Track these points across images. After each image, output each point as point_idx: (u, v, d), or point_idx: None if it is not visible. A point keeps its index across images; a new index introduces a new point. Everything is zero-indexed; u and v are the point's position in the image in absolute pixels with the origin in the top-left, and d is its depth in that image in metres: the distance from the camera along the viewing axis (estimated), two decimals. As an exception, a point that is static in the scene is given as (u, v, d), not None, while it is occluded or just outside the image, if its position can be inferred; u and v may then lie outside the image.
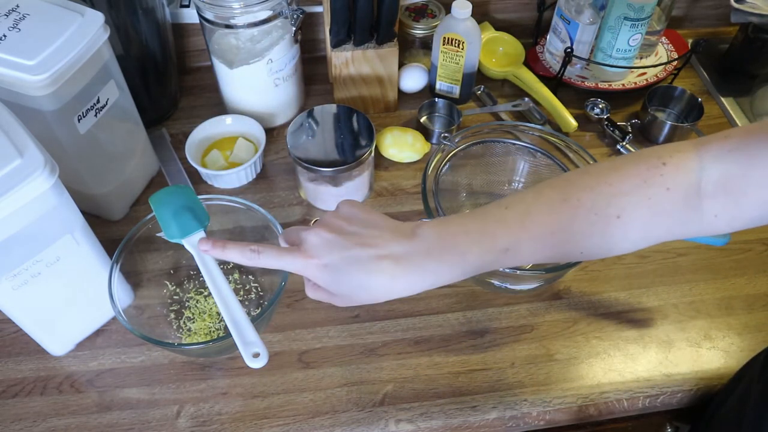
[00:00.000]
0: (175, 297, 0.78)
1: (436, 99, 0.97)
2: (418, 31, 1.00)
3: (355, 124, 0.86)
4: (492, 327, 0.76)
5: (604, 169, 0.50)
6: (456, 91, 0.99)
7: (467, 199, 0.86)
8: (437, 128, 0.97)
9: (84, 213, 0.65)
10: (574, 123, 0.95)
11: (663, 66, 1.01)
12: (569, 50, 0.94)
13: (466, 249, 0.48)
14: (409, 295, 0.49)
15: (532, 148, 0.80)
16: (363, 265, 0.48)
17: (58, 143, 0.70)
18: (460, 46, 0.92)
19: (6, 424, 0.68)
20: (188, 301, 0.77)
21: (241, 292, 0.78)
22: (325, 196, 0.86)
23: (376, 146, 0.89)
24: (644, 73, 1.01)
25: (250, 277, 0.80)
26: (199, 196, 0.70)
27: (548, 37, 1.02)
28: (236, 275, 0.80)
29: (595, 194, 0.49)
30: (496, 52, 1.07)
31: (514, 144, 0.81)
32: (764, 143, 0.45)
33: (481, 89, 1.02)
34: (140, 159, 0.86)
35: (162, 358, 0.73)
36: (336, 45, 0.90)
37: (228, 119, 0.92)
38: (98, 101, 0.73)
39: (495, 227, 0.49)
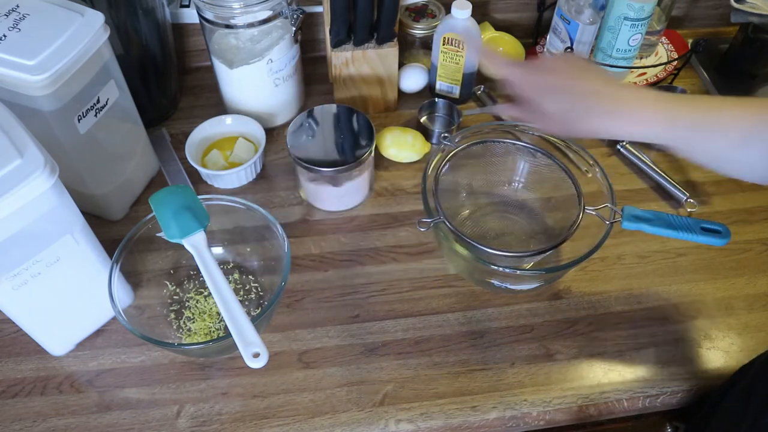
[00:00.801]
0: (175, 297, 0.78)
1: (436, 99, 0.97)
2: (418, 31, 1.00)
3: (355, 124, 0.86)
4: (492, 327, 0.76)
5: None
6: (456, 91, 1.00)
7: (467, 199, 0.86)
8: (437, 128, 0.97)
9: (84, 213, 0.65)
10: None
11: (663, 66, 1.01)
12: (569, 50, 0.94)
13: (675, 115, 0.57)
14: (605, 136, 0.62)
15: (532, 148, 0.80)
16: (587, 98, 0.59)
17: (58, 143, 0.70)
18: (460, 46, 0.92)
19: (6, 424, 0.68)
20: (188, 301, 0.77)
21: (241, 292, 0.78)
22: (325, 196, 0.86)
23: (376, 146, 0.89)
24: (644, 73, 1.01)
25: (250, 277, 0.80)
26: (199, 196, 0.70)
27: (548, 37, 1.03)
28: (236, 275, 0.80)
29: None
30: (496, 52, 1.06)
31: (514, 144, 0.81)
32: None
33: (481, 89, 1.02)
34: (140, 159, 0.86)
35: (162, 358, 0.73)
36: (336, 45, 0.90)
37: (228, 119, 0.92)
38: (98, 101, 0.73)
39: (697, 106, 0.57)
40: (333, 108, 0.87)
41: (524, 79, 0.63)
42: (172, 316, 0.76)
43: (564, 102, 0.61)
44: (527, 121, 0.67)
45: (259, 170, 0.91)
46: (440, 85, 1.00)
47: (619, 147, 0.94)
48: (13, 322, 0.67)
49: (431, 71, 1.00)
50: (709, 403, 0.70)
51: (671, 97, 0.58)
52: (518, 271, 0.72)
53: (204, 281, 0.68)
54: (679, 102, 0.58)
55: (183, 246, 0.65)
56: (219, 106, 0.99)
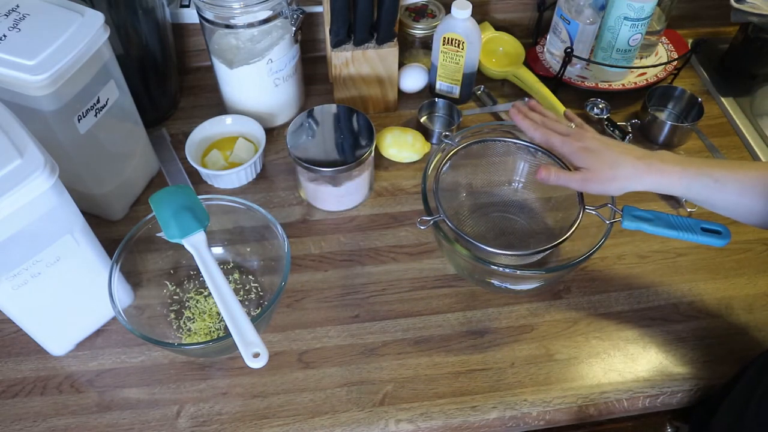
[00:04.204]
0: (175, 297, 0.78)
1: (436, 99, 0.97)
2: (418, 31, 1.00)
3: (355, 124, 0.86)
4: (492, 327, 0.76)
5: None
6: (456, 91, 1.00)
7: (467, 199, 0.86)
8: (437, 128, 0.97)
9: (84, 213, 0.65)
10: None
11: (663, 66, 1.01)
12: (569, 50, 0.94)
13: (687, 166, 0.65)
14: (635, 189, 0.67)
15: (532, 148, 0.80)
16: (613, 152, 0.67)
17: (58, 143, 0.70)
18: (460, 46, 0.92)
19: (6, 424, 0.68)
20: (188, 301, 0.77)
21: (241, 292, 0.78)
22: (325, 196, 0.86)
23: (376, 146, 0.89)
24: (644, 73, 1.01)
25: (250, 277, 0.80)
26: (199, 196, 0.70)
27: (548, 37, 1.03)
28: (236, 275, 0.80)
29: None
30: (496, 52, 1.07)
31: (515, 143, 0.81)
32: None
33: (481, 89, 1.02)
34: (140, 159, 0.86)
35: (162, 358, 0.73)
36: (336, 45, 0.90)
37: (228, 119, 0.92)
38: (98, 101, 0.73)
39: (710, 162, 0.66)
40: (333, 108, 0.87)
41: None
42: (172, 316, 0.76)
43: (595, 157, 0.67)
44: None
45: (259, 170, 0.91)
46: (440, 85, 1.00)
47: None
48: (13, 322, 0.67)
49: (431, 71, 1.00)
50: (709, 404, 0.71)
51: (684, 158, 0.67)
52: (518, 271, 0.72)
53: (204, 281, 0.68)
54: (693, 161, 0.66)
55: (183, 246, 0.65)
56: (219, 106, 0.99)
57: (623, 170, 0.66)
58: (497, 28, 1.08)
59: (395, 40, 0.91)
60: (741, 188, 0.64)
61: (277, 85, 0.92)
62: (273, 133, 0.97)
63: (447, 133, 0.79)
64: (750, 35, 1.02)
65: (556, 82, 1.00)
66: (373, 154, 0.84)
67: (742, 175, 0.64)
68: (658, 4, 0.95)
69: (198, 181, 0.90)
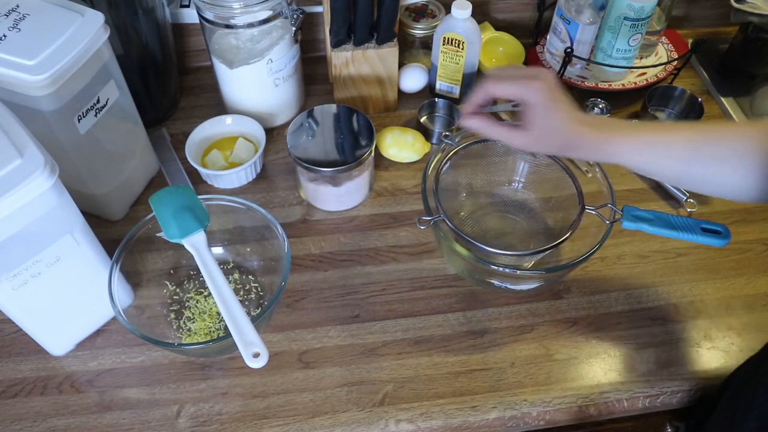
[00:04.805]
0: (175, 297, 0.78)
1: (436, 99, 0.97)
2: (418, 31, 1.00)
3: (355, 124, 0.86)
4: (492, 327, 0.76)
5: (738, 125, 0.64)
6: (456, 91, 0.99)
7: (467, 199, 0.86)
8: (437, 128, 0.97)
9: (84, 213, 0.65)
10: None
11: (663, 66, 1.01)
12: (569, 50, 0.94)
13: (638, 134, 0.61)
14: (571, 154, 0.64)
15: (532, 148, 0.80)
16: (568, 113, 0.61)
17: (58, 143, 0.70)
18: (460, 46, 0.92)
19: (6, 424, 0.68)
20: (188, 301, 0.77)
21: (241, 292, 0.78)
22: (325, 196, 0.86)
23: (376, 146, 0.89)
24: (644, 73, 1.01)
25: (250, 277, 0.80)
26: (199, 196, 0.70)
27: (548, 37, 1.02)
28: (236, 275, 0.80)
29: (716, 140, 0.59)
30: (496, 52, 1.06)
31: (514, 144, 0.81)
32: None
33: (482, 89, 1.02)
34: (140, 159, 0.86)
35: (162, 358, 0.73)
36: (336, 45, 0.90)
37: (228, 119, 0.92)
38: (98, 101, 0.73)
39: (658, 129, 0.62)
40: (333, 108, 0.87)
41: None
42: (172, 316, 0.76)
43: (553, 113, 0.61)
44: (498, 135, 0.65)
45: (259, 170, 0.91)
46: (440, 85, 1.00)
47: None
48: (13, 322, 0.67)
49: (431, 71, 1.00)
50: (705, 404, 0.71)
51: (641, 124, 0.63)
52: (518, 271, 0.72)
53: (204, 281, 0.68)
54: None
55: (183, 246, 0.65)
56: (219, 106, 0.99)
57: (576, 141, 0.62)
58: (497, 28, 1.08)
59: (395, 40, 0.91)
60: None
61: (277, 85, 0.92)
62: (273, 133, 0.97)
63: (447, 133, 0.79)
64: (750, 35, 1.02)
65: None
66: (373, 154, 0.84)
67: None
68: (658, 4, 0.95)
69: (198, 181, 0.90)
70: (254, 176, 0.91)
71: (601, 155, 0.62)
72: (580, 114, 0.61)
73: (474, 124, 0.65)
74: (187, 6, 0.98)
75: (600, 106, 0.98)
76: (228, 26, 0.84)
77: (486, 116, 0.65)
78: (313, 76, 1.05)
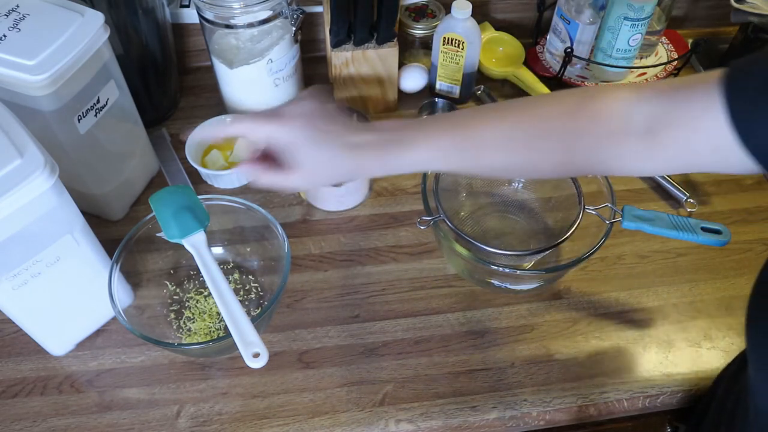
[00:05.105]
0: (175, 297, 0.78)
1: (436, 99, 0.97)
2: (418, 31, 1.00)
3: (355, 124, 0.86)
4: (492, 327, 0.76)
5: (542, 97, 0.56)
6: (456, 91, 0.99)
7: (467, 199, 0.86)
8: (437, 128, 0.97)
9: (84, 213, 0.65)
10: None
11: (663, 66, 1.01)
12: (569, 50, 0.94)
13: (412, 143, 0.54)
14: (361, 177, 0.56)
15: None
16: (334, 141, 0.54)
17: (58, 143, 0.70)
18: (460, 46, 0.92)
19: (6, 424, 0.68)
20: (188, 301, 0.77)
21: (241, 292, 0.78)
22: (325, 196, 0.86)
23: (376, 146, 0.89)
24: (644, 73, 1.01)
25: (250, 277, 0.80)
26: (199, 196, 0.70)
27: (548, 37, 1.02)
28: (236, 275, 0.80)
29: (528, 116, 0.53)
30: (496, 52, 1.06)
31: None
32: (687, 89, 0.47)
33: (481, 89, 1.02)
34: (140, 159, 0.86)
35: (162, 358, 0.73)
36: (336, 45, 0.90)
37: (228, 119, 0.92)
38: (98, 101, 0.73)
39: (441, 128, 0.54)
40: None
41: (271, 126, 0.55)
42: (172, 316, 0.76)
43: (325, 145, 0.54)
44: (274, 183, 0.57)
45: (259, 170, 0.91)
46: (440, 85, 1.00)
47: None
48: (13, 322, 0.67)
49: (431, 71, 1.00)
50: (701, 405, 0.71)
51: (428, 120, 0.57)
52: (518, 271, 0.72)
53: (204, 281, 0.68)
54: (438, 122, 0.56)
55: (183, 246, 0.65)
56: (219, 106, 0.99)
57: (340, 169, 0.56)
58: (497, 28, 1.08)
59: (395, 40, 0.91)
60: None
61: (277, 85, 0.92)
62: (273, 133, 0.96)
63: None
64: (750, 35, 1.02)
65: (556, 82, 1.00)
66: (373, 154, 0.84)
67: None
68: (658, 4, 0.95)
69: (198, 181, 0.90)
70: (254, 176, 0.91)
71: (395, 169, 0.56)
72: (358, 134, 0.54)
73: (249, 175, 0.57)
74: (187, 6, 0.98)
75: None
76: (228, 26, 0.84)
77: (258, 161, 0.57)
78: (313, 76, 1.05)
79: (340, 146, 0.54)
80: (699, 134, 0.45)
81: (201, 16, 0.86)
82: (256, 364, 0.57)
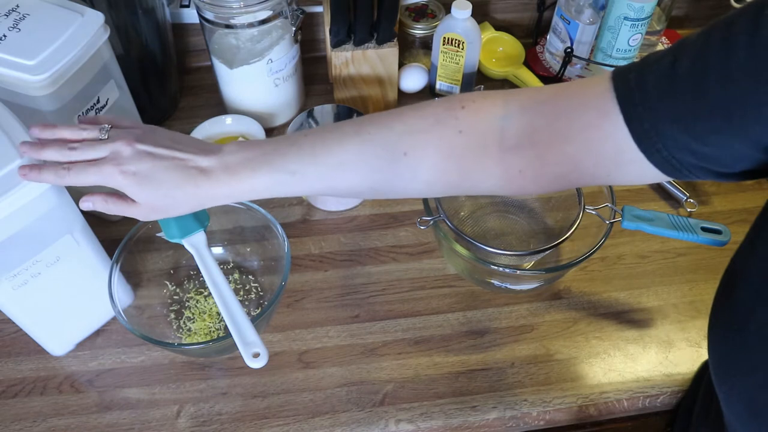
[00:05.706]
0: (175, 297, 0.78)
1: (437, 99, 0.97)
2: (418, 31, 1.00)
3: (355, 124, 0.86)
4: (492, 327, 0.76)
5: (406, 109, 0.52)
6: (456, 91, 0.99)
7: (467, 199, 0.86)
8: (437, 128, 0.97)
9: (84, 213, 0.65)
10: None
11: (663, 66, 1.01)
12: (569, 50, 0.94)
13: (257, 167, 0.51)
14: (209, 206, 0.54)
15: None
16: (171, 173, 0.51)
17: (58, 143, 0.70)
18: (460, 46, 0.92)
19: (6, 424, 0.68)
20: (188, 301, 0.77)
21: (241, 292, 0.78)
22: (325, 195, 0.86)
23: (376, 146, 0.89)
24: (644, 73, 1.01)
25: (250, 277, 0.80)
26: (199, 196, 0.70)
27: (548, 37, 1.03)
28: (236, 275, 0.80)
29: (387, 130, 0.50)
30: (496, 52, 1.07)
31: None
32: (576, 98, 0.44)
33: (481, 89, 1.02)
34: (140, 159, 0.86)
35: (162, 358, 0.73)
36: (336, 45, 0.90)
37: (228, 119, 0.92)
38: (98, 101, 0.73)
39: (288, 149, 0.52)
40: (333, 108, 0.87)
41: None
42: (172, 316, 0.76)
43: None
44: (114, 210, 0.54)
45: (259, 170, 0.91)
46: (440, 85, 1.00)
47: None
48: (13, 322, 0.67)
49: (431, 71, 1.00)
50: (685, 404, 0.71)
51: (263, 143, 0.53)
52: (518, 271, 0.72)
53: (204, 281, 0.68)
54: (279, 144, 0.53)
55: (183, 246, 0.65)
56: (219, 106, 0.99)
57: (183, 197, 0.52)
58: (497, 28, 1.08)
59: (395, 40, 0.91)
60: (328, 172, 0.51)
61: (277, 85, 0.92)
62: (273, 133, 0.97)
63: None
64: (750, 35, 1.01)
65: (556, 83, 1.00)
66: (373, 154, 0.84)
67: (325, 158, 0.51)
68: (658, 4, 0.95)
69: (198, 181, 0.90)
70: (254, 176, 0.91)
71: (246, 196, 0.53)
72: (204, 158, 0.52)
73: (94, 202, 0.54)
74: (187, 6, 0.98)
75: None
76: (228, 26, 0.84)
77: (103, 194, 0.54)
78: (313, 76, 1.05)
79: (180, 183, 0.51)
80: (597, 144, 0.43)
81: (201, 16, 0.86)
82: (256, 364, 0.56)
